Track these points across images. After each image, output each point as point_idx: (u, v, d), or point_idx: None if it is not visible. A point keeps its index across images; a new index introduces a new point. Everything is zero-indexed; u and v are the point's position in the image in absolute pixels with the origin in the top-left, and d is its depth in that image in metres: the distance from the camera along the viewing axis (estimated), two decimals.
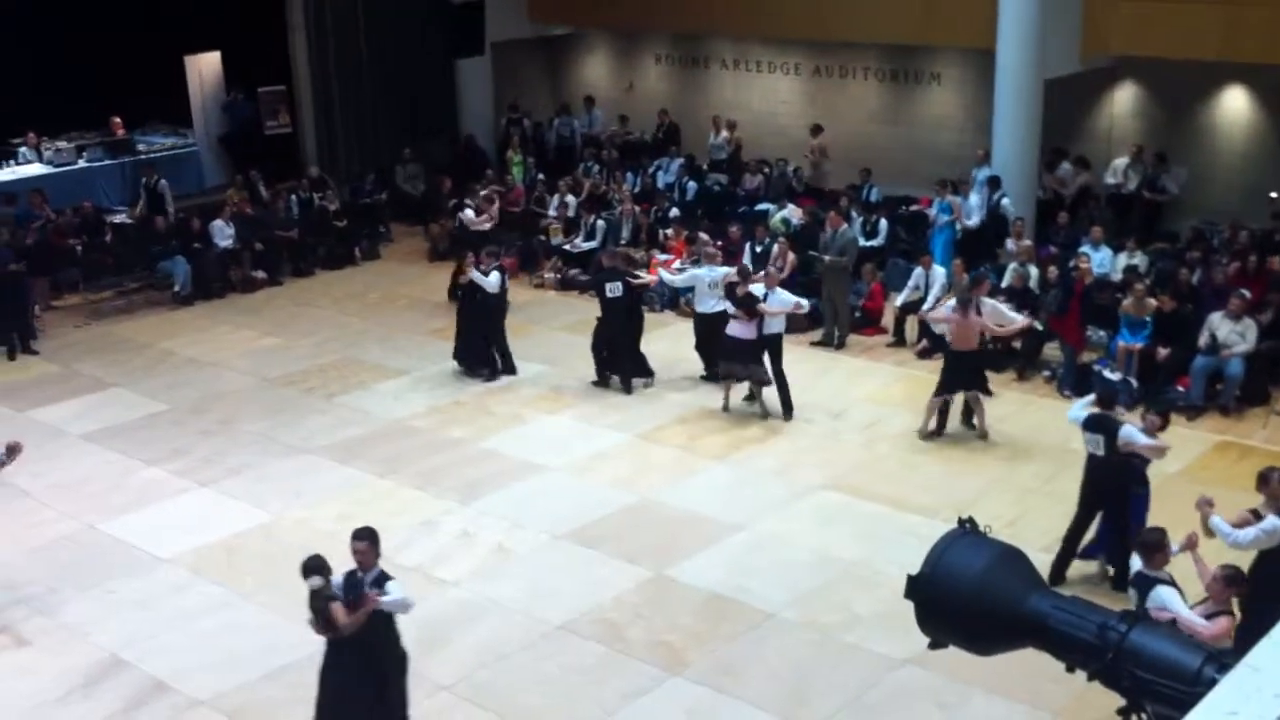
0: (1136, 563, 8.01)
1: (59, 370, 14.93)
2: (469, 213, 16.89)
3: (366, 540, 7.83)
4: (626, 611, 9.91)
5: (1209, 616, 7.55)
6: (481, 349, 14.55)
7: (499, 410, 13.82)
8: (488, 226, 16.85)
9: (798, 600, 10.03)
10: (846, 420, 13.18)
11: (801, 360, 14.39)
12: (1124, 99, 18.24)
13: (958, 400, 12.78)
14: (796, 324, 15.76)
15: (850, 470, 11.92)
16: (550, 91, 23.89)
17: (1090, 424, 9.82)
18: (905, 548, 10.34)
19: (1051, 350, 14.36)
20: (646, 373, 14.26)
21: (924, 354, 14.82)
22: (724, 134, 20.54)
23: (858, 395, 13.85)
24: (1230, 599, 7.68)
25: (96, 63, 18.99)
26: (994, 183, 16.77)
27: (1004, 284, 15.01)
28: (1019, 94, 16.49)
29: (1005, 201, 16.46)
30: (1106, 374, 13.10)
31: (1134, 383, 13.18)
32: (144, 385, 14.50)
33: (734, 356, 13.18)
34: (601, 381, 14.26)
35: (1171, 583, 7.80)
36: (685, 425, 13.30)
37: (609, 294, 14.07)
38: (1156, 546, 7.85)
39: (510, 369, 14.62)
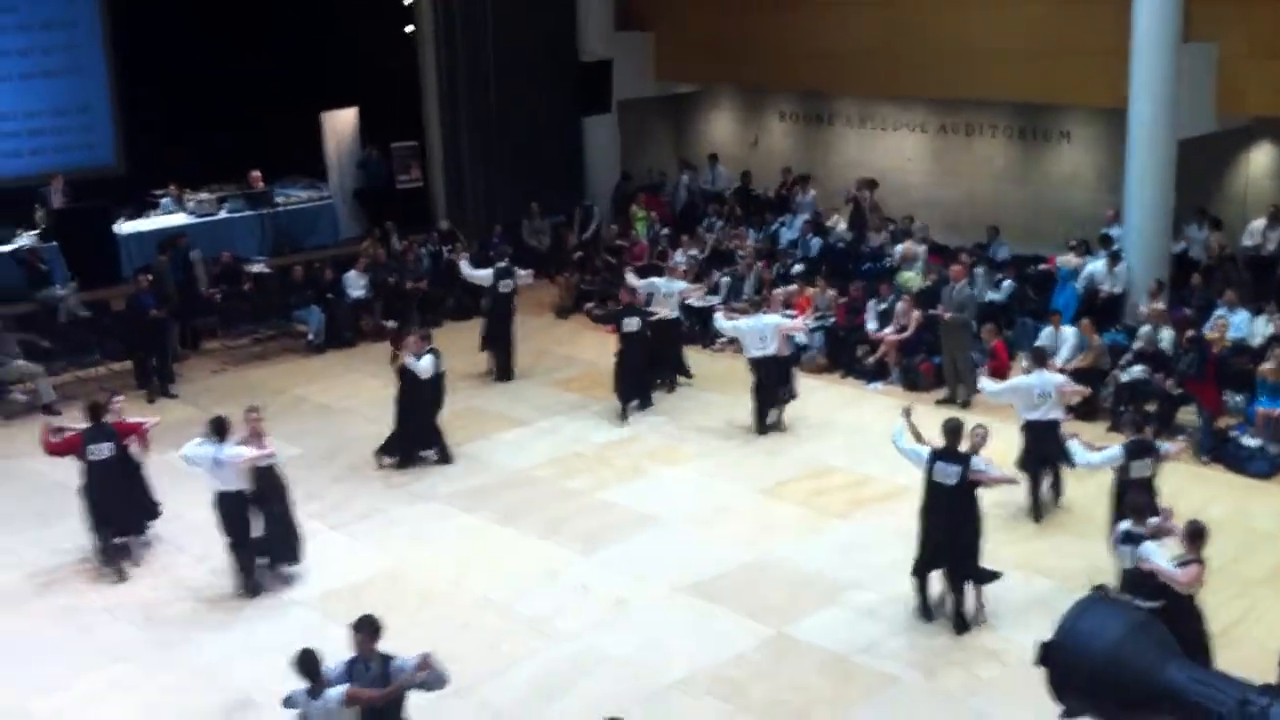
0: (1126, 524, 9.19)
1: (196, 414, 15.33)
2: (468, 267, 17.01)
3: (365, 632, 7.80)
4: (747, 669, 9.85)
5: (1181, 565, 8.69)
6: (421, 436, 13.90)
7: (619, 462, 13.90)
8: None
9: (922, 663, 9.87)
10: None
11: (925, 417, 14.23)
12: (1261, 159, 17.81)
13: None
14: (922, 383, 15.65)
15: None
16: (674, 148, 24.12)
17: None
18: (1034, 613, 10.18)
19: (1187, 414, 14.01)
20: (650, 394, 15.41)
21: None
22: (814, 191, 20.69)
23: (984, 456, 13.61)
24: (1198, 549, 8.74)
25: (238, 117, 19.71)
26: (1105, 241, 16.55)
27: (1135, 347, 14.73)
28: (1151, 153, 16.20)
29: (1097, 264, 16.28)
30: (1245, 440, 12.77)
31: (1271, 450, 12.81)
32: (277, 430, 14.74)
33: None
34: (623, 415, 14.97)
35: (1154, 539, 8.95)
36: (808, 481, 13.23)
37: (625, 329, 14.99)
38: (1143, 509, 9.22)
39: (446, 458, 13.93)
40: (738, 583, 11.14)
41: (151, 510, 12.05)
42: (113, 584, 11.40)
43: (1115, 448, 10.82)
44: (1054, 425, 12.11)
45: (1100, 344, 14.65)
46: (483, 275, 16.59)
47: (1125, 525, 9.22)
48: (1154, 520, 9.22)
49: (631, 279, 16.51)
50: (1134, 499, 9.62)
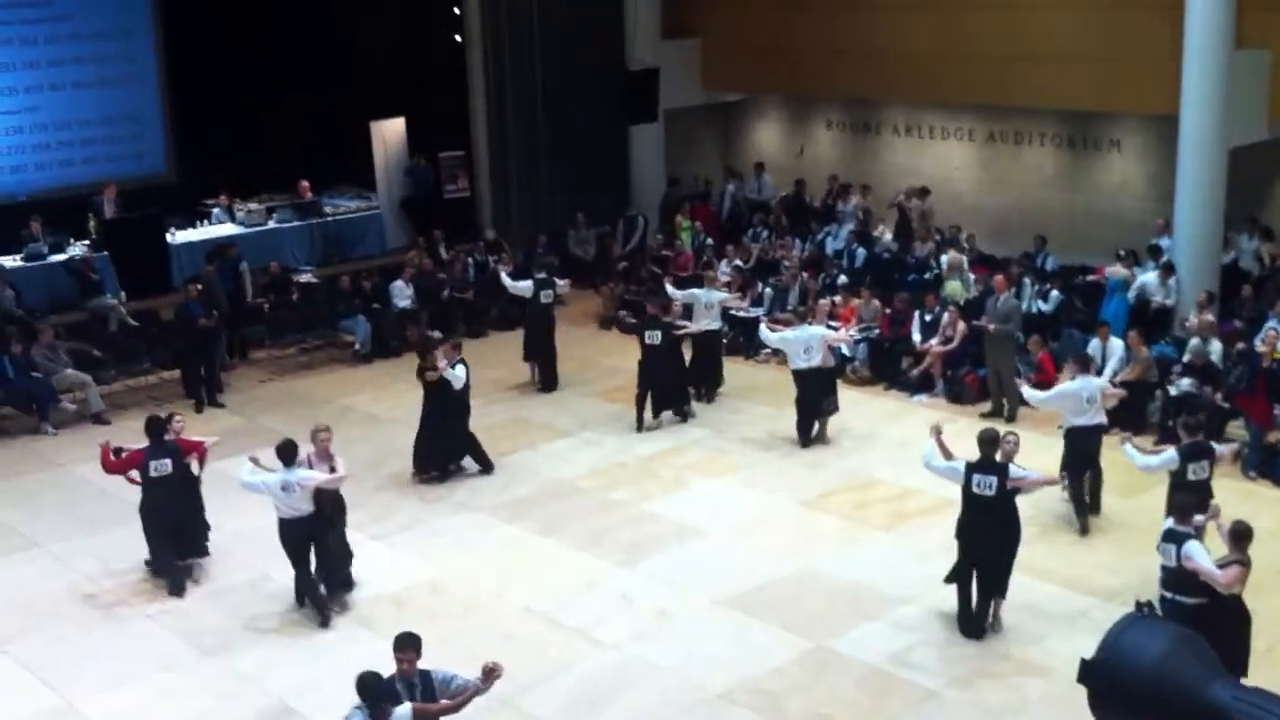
0: (1169, 522, 9.20)
1: (243, 423, 15.52)
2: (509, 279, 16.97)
3: (410, 650, 7.63)
4: (786, 682, 9.80)
5: (1223, 566, 8.70)
6: (449, 448, 13.86)
7: (663, 473, 13.89)
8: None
9: (962, 679, 9.79)
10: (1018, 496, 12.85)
11: (968, 432, 14.12)
12: None
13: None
14: (967, 395, 15.53)
15: (1022, 547, 11.58)
16: (720, 157, 24.10)
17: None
18: (1078, 630, 10.08)
19: (1236, 429, 13.81)
20: (685, 402, 15.40)
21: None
22: (855, 199, 20.62)
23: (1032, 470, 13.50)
24: (1242, 549, 8.76)
25: (287, 127, 19.91)
26: (1154, 251, 16.37)
27: (1184, 359, 14.54)
28: (1202, 162, 16.01)
29: (1149, 276, 16.14)
30: None
31: None
32: None
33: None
34: (638, 425, 15.01)
35: (1197, 537, 9.01)
36: (850, 494, 13.17)
37: (648, 340, 14.96)
38: (1187, 508, 9.21)
39: (488, 466, 13.93)
40: (778, 595, 11.10)
41: (206, 529, 12.07)
42: (158, 593, 11.47)
43: (1171, 451, 10.82)
44: (1099, 429, 12.22)
45: (1148, 356, 14.48)
46: (523, 286, 16.67)
47: (1169, 524, 9.24)
48: (1199, 518, 9.31)
49: (671, 291, 16.53)
50: (1180, 498, 9.66)
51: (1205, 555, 8.84)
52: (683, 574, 11.56)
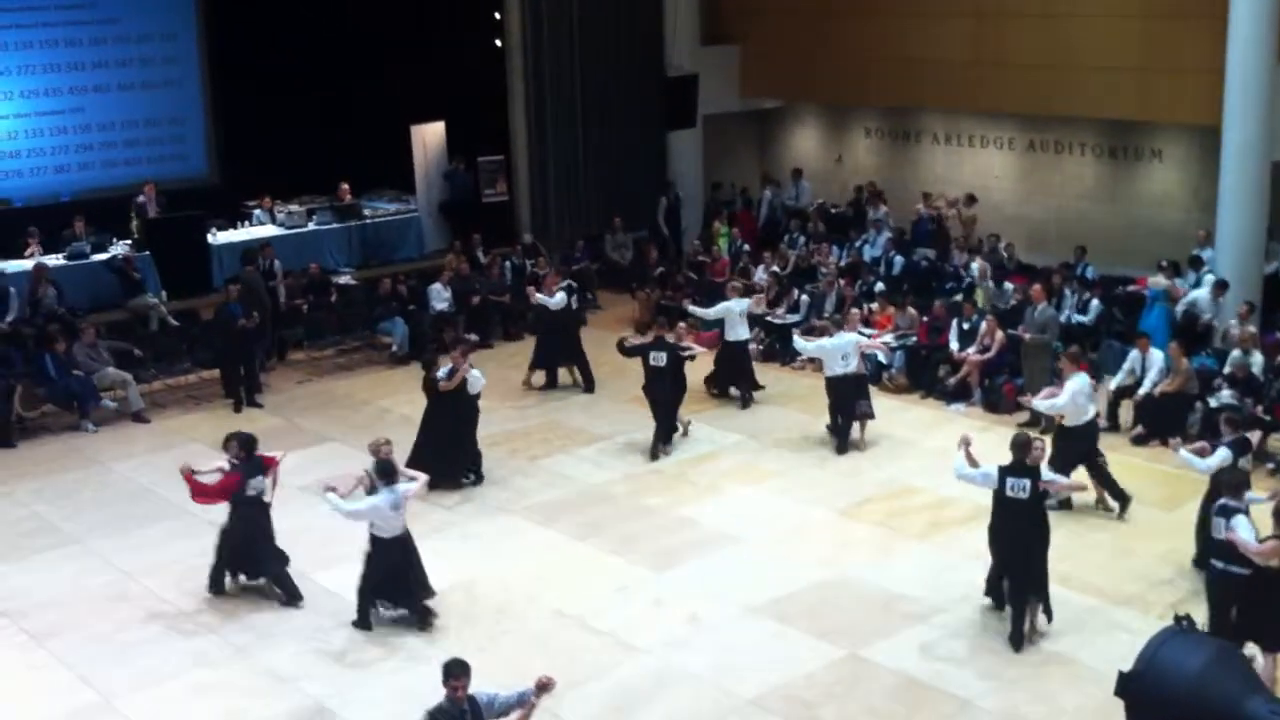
0: (1223, 499, 9.59)
1: (281, 424, 15.62)
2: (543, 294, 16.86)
3: (463, 678, 7.53)
4: (818, 690, 9.78)
5: (1263, 541, 9.10)
6: (460, 459, 13.69)
7: (698, 480, 13.88)
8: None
9: (998, 690, 9.73)
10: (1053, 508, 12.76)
11: (1005, 442, 14.07)
12: None
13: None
14: (1004, 405, 15.44)
15: (1058, 558, 11.49)
16: (758, 163, 24.09)
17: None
18: (1115, 642, 10.01)
19: (1277, 442, 13.68)
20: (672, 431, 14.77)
21: (1139, 440, 14.31)
22: (884, 207, 20.62)
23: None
24: None
25: (328, 130, 20.04)
26: (1195, 262, 16.23)
27: (1225, 371, 14.41)
28: (1244, 173, 15.90)
29: (1201, 292, 15.95)
30: None
31: None
32: (360, 441, 14.91)
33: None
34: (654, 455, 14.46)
35: (1247, 513, 9.40)
36: (886, 502, 13.12)
37: (653, 363, 14.51)
38: (1238, 485, 9.64)
39: (479, 476, 13.78)
40: (812, 602, 11.07)
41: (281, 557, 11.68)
42: (196, 590, 11.53)
43: (1224, 450, 10.93)
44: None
45: (1188, 368, 14.37)
46: (557, 301, 16.66)
47: (1222, 499, 9.65)
48: (1250, 495, 9.76)
49: (700, 311, 16.58)
50: (1235, 475, 10.03)
51: (1249, 529, 9.26)
52: (716, 580, 11.55)
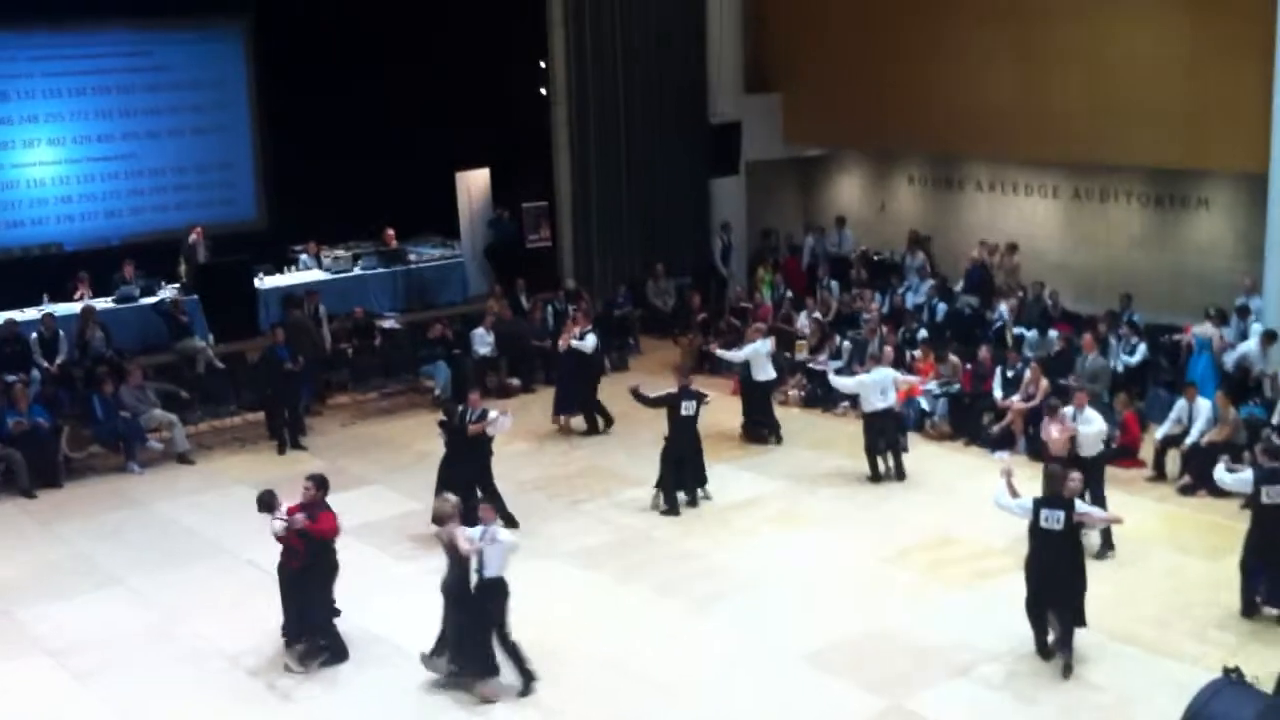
0: None
1: (324, 466, 15.63)
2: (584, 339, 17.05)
3: None
4: None
5: None
6: (496, 495, 13.35)
7: (738, 524, 13.82)
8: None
9: None
10: (1101, 557, 12.60)
11: None
12: None
13: None
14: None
15: (1106, 609, 11.36)
16: (801, 210, 24.11)
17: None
18: (1163, 695, 9.84)
19: None
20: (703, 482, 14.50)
21: (1186, 490, 14.14)
22: (920, 254, 20.62)
23: (1114, 532, 13.26)
24: None
25: (375, 176, 20.27)
26: (1243, 312, 16.08)
27: (1274, 421, 14.23)
28: None
29: (1250, 344, 15.78)
30: None
31: None
32: (401, 484, 15.11)
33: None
34: (672, 508, 14.13)
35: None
36: (929, 550, 13.01)
37: (684, 412, 14.22)
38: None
39: (512, 520, 13.38)
40: (854, 651, 10.96)
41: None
42: (237, 631, 11.55)
43: (1248, 471, 11.38)
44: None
45: (1236, 418, 14.20)
46: (589, 344, 16.85)
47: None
48: None
49: (730, 355, 16.90)
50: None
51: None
52: (756, 626, 11.46)
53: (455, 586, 10.34)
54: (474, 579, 10.32)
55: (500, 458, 15.12)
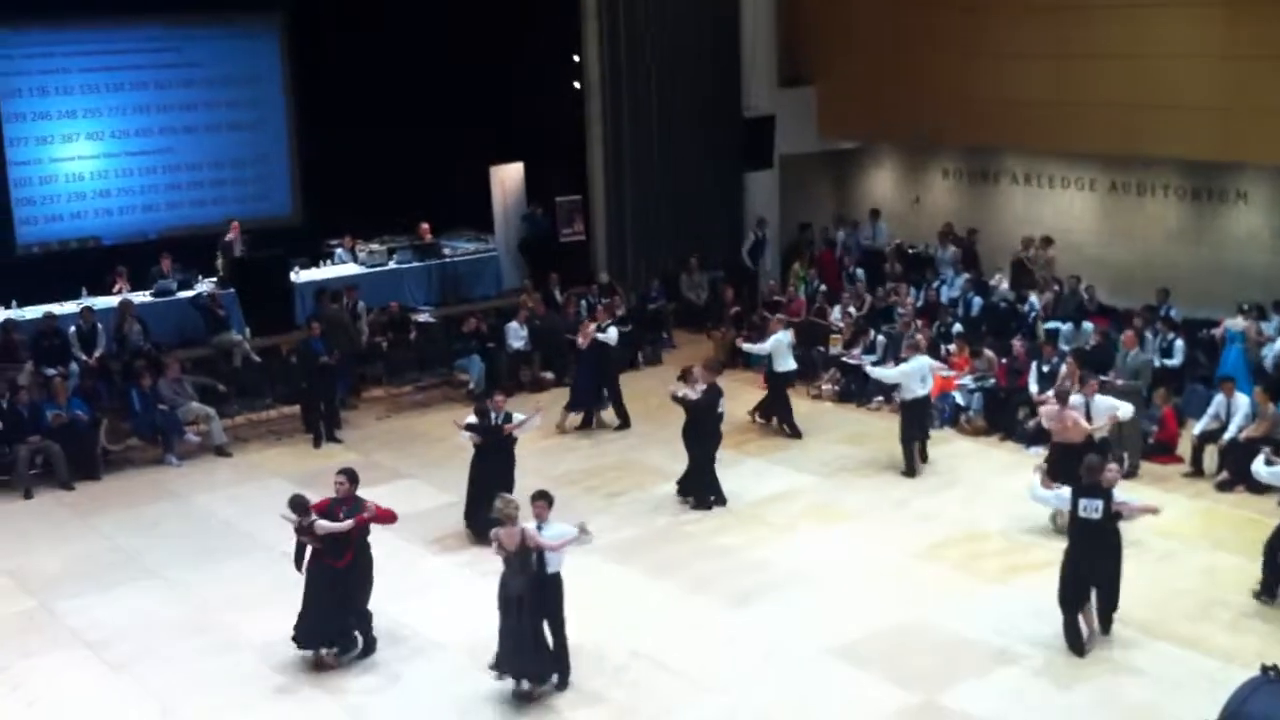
0: None
1: (359, 459, 15.70)
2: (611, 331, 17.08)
3: None
4: None
5: None
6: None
7: (773, 520, 13.81)
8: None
9: None
10: (1139, 552, 12.50)
11: None
12: None
13: None
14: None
15: (1141, 605, 11.30)
16: (835, 203, 24.03)
17: None
18: (1198, 692, 9.78)
19: None
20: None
21: (1224, 486, 14.03)
22: (952, 248, 20.52)
23: (1150, 527, 13.16)
24: None
25: (409, 171, 20.35)
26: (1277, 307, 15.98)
27: None
28: None
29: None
30: None
31: None
32: (436, 477, 15.17)
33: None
34: (704, 504, 14.10)
35: None
36: (962, 545, 12.97)
37: (721, 409, 14.26)
38: None
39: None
40: (888, 646, 10.94)
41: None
42: (272, 624, 11.57)
43: None
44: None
45: (1275, 413, 14.06)
46: (613, 335, 16.93)
47: None
48: None
49: (755, 347, 16.99)
50: None
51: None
52: (790, 621, 11.46)
53: (526, 589, 10.12)
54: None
55: (533, 452, 15.23)
